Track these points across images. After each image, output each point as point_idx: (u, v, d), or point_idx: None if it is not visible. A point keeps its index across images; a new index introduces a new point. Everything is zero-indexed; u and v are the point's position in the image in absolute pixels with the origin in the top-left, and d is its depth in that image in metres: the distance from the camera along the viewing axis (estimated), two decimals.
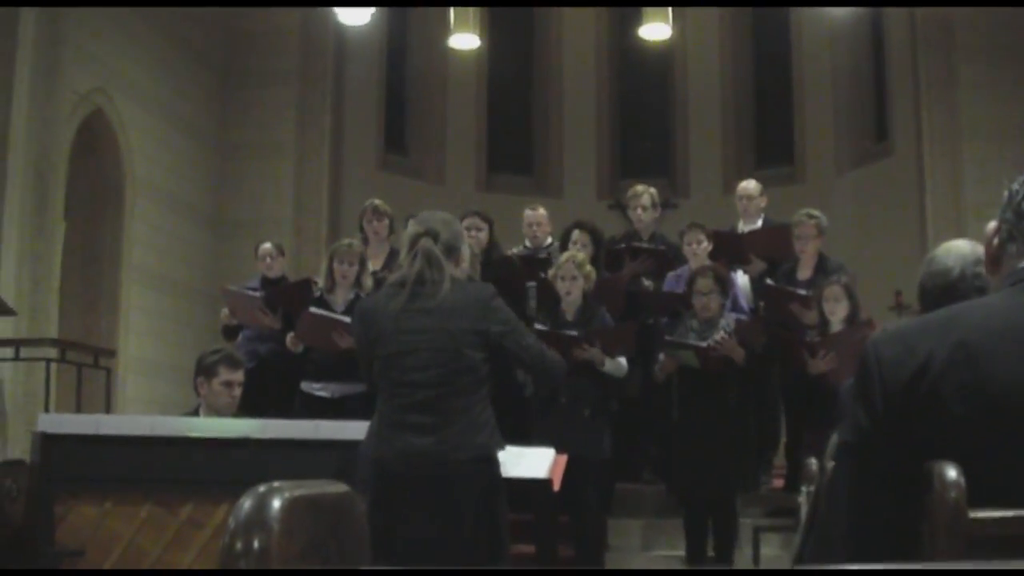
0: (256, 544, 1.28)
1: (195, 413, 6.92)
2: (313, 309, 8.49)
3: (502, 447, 5.36)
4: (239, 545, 1.29)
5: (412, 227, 5.45)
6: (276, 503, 1.32)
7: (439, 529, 5.16)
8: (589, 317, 8.39)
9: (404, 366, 5.23)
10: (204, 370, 6.80)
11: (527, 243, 10.11)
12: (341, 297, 8.72)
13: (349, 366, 8.09)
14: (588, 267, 8.53)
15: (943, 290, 3.63)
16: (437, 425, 5.17)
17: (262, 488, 1.34)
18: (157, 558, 5.95)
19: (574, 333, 8.12)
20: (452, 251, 5.37)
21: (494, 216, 9.72)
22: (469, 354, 5.23)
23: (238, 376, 6.84)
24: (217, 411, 6.77)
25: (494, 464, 5.30)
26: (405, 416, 5.20)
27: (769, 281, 9.39)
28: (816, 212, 9.49)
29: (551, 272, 8.61)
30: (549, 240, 10.12)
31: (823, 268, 9.29)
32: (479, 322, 5.26)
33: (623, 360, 8.37)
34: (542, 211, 10.25)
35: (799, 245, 9.33)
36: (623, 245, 9.94)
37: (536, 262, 9.55)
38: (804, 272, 9.33)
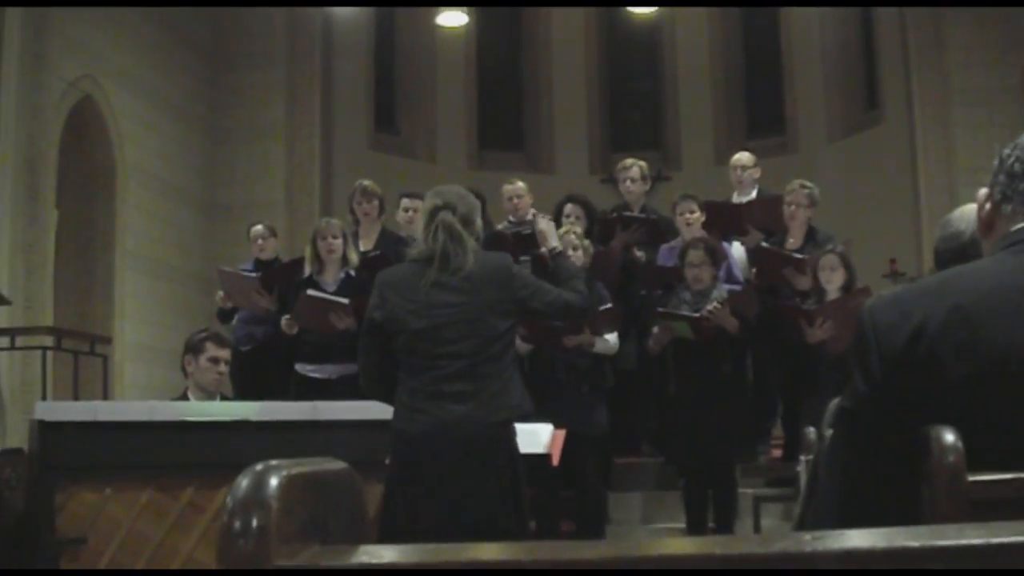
0: (255, 522, 1.28)
1: (184, 397, 6.93)
2: (311, 292, 8.49)
3: (532, 407, 5.50)
4: (237, 524, 1.28)
5: (429, 201, 5.53)
6: (274, 481, 1.31)
7: (466, 496, 5.21)
8: None
9: (437, 339, 5.29)
10: (191, 348, 6.88)
11: (510, 218, 10.07)
12: (332, 276, 8.72)
13: (343, 347, 8.10)
14: (586, 242, 8.53)
15: (955, 253, 3.61)
16: (474, 391, 5.27)
17: (259, 466, 1.33)
18: (159, 543, 5.95)
19: (559, 324, 8.05)
20: (469, 224, 5.44)
21: (486, 193, 9.69)
22: (498, 323, 5.34)
23: (225, 353, 6.90)
24: (204, 389, 6.81)
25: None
26: (442, 386, 5.27)
27: (764, 244, 9.38)
28: (809, 183, 9.48)
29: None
30: (532, 213, 10.10)
31: (812, 238, 9.29)
32: (506, 291, 5.37)
33: (612, 337, 8.38)
34: (520, 184, 10.22)
35: (789, 212, 9.31)
36: (614, 215, 9.94)
37: (522, 238, 9.50)
38: (794, 242, 9.33)
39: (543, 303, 5.49)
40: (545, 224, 6.21)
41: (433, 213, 5.40)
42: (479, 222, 5.60)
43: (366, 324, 5.57)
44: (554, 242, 6.07)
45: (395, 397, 5.41)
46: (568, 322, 7.61)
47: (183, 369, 6.97)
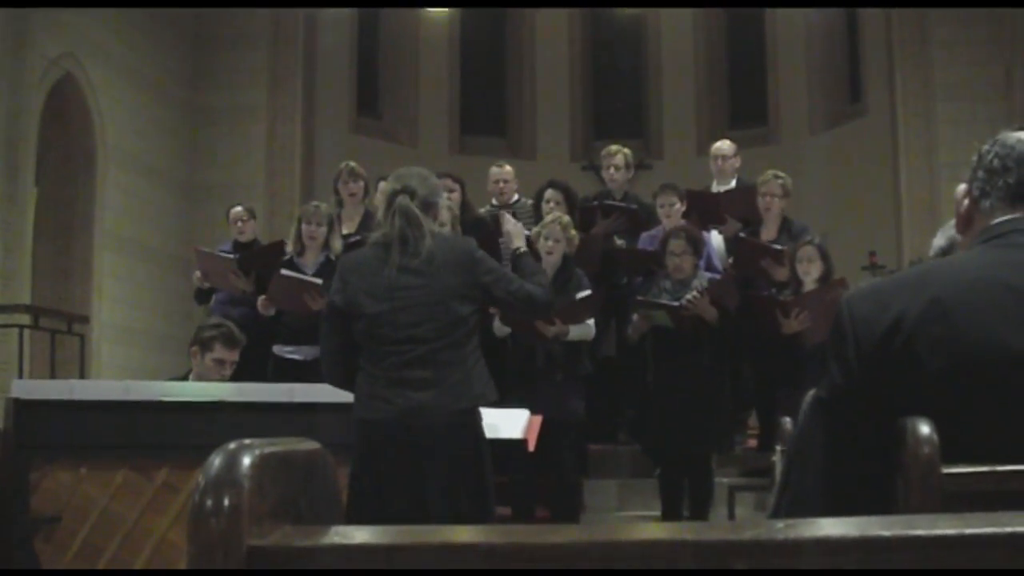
0: (226, 501, 1.27)
1: (185, 378, 6.91)
2: (284, 271, 8.48)
3: (496, 396, 5.43)
4: (209, 503, 1.28)
5: (388, 184, 5.47)
6: (247, 460, 1.30)
7: (430, 482, 5.18)
8: (567, 279, 8.36)
9: (397, 323, 5.22)
10: (201, 342, 6.79)
11: (493, 201, 10.06)
12: (311, 259, 8.72)
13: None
14: (573, 231, 8.50)
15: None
16: (436, 379, 5.20)
17: (232, 445, 1.33)
18: (134, 523, 5.93)
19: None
20: (429, 207, 5.38)
21: (467, 178, 9.69)
22: (459, 307, 5.27)
23: (232, 356, 6.81)
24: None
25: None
26: (403, 372, 5.20)
27: (742, 235, 9.38)
28: (782, 173, 9.48)
29: (535, 231, 8.57)
30: (516, 197, 10.09)
31: (787, 229, 9.30)
32: (468, 275, 5.31)
33: (589, 323, 8.35)
34: (508, 168, 10.22)
35: (764, 204, 9.31)
36: (595, 203, 9.93)
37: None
38: (768, 233, 9.33)
39: (506, 291, 5.41)
40: (511, 226, 6.20)
41: (391, 197, 5.34)
42: (442, 203, 5.56)
43: (327, 308, 5.52)
44: (519, 242, 6.05)
45: (355, 384, 5.36)
46: (530, 316, 7.45)
47: (190, 356, 6.92)
